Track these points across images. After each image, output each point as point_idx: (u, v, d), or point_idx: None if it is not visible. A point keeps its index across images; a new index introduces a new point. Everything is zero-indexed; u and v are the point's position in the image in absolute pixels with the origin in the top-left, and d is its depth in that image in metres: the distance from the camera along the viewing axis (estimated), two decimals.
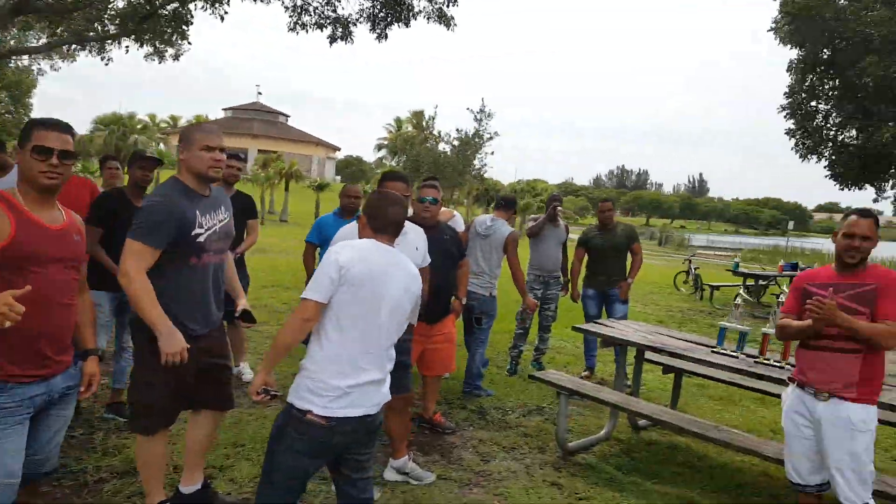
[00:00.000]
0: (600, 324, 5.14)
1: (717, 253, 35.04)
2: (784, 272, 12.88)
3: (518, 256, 5.65)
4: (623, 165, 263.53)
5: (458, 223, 5.23)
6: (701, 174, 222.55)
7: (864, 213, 2.96)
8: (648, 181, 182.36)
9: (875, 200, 17.13)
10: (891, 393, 3.49)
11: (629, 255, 6.46)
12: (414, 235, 3.62)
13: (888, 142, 12.48)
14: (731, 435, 3.66)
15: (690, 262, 15.23)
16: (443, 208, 4.89)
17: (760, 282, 12.69)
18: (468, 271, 4.97)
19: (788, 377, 3.20)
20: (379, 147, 41.62)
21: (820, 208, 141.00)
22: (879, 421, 3.84)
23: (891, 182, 15.27)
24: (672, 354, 4.29)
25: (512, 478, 3.98)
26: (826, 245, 49.03)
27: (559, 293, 6.52)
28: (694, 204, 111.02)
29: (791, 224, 58.58)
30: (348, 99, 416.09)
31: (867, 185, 14.73)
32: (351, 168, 71.54)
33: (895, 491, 3.02)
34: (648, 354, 4.92)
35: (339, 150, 68.62)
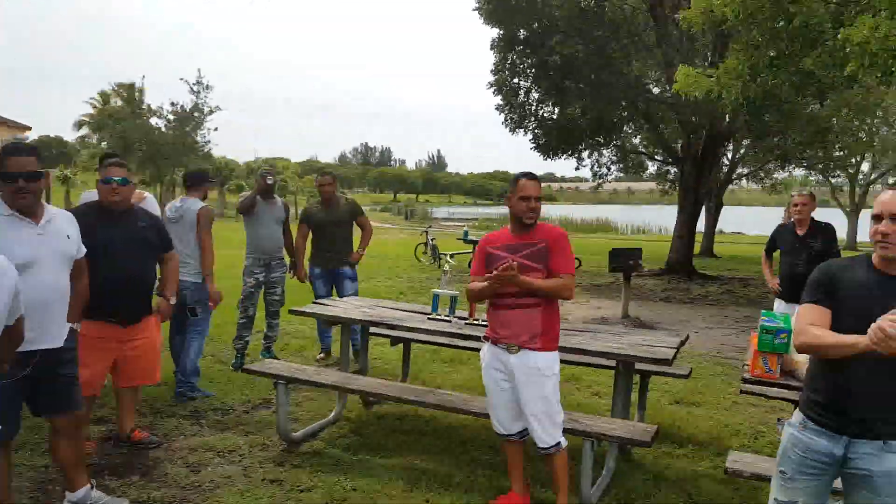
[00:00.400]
0: (320, 303, 4.92)
1: (456, 224, 37.68)
2: None
3: (211, 234, 5.12)
4: (367, 143, 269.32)
5: (151, 205, 4.55)
6: (439, 150, 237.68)
7: (531, 175, 3.16)
8: (392, 158, 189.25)
9: (577, 168, 19.72)
10: (578, 337, 3.86)
11: (358, 230, 6.34)
12: (62, 222, 2.99)
13: (578, 116, 14.24)
14: (443, 398, 3.73)
15: (427, 233, 15.95)
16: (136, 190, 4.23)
17: None
18: (177, 265, 4.32)
19: (483, 336, 3.31)
20: (79, 125, 35.73)
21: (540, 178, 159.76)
22: (570, 363, 4.26)
23: (587, 152, 17.63)
24: (391, 326, 4.24)
25: (226, 484, 3.60)
26: (550, 210, 56.23)
27: (284, 275, 6.16)
28: (435, 179, 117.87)
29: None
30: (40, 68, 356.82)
31: (566, 156, 16.76)
32: (52, 151, 60.96)
33: (582, 426, 3.29)
34: (374, 329, 4.83)
35: (29, 129, 58.01)
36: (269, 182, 5.83)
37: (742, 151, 19.19)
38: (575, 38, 12.56)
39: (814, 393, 2.25)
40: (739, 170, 21.05)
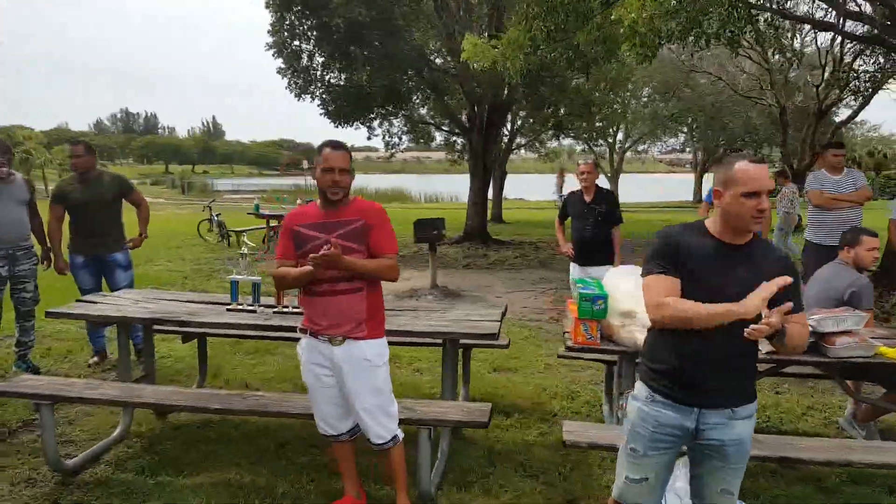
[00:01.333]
0: (87, 301, 4.05)
1: (243, 196, 35.42)
2: None
3: None
4: (127, 108, 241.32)
5: None
6: (214, 117, 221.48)
7: (336, 144, 2.79)
8: (159, 125, 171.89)
9: (368, 138, 19.42)
10: (401, 318, 3.61)
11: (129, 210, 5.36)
12: None
13: (366, 83, 13.88)
14: (255, 401, 3.24)
15: (211, 208, 14.59)
16: None
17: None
18: None
19: (300, 328, 2.90)
20: None
21: None
22: (393, 344, 3.98)
23: (377, 121, 17.37)
24: (181, 323, 3.59)
25: None
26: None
27: (35, 267, 5.04)
28: (212, 148, 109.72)
29: (306, 164, 63.42)
30: None
31: (358, 124, 16.35)
32: None
33: (417, 415, 3.05)
34: (155, 324, 4.10)
35: None
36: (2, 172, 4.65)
37: (519, 122, 20.46)
38: (357, 1, 12.09)
39: (658, 364, 2.21)
40: (518, 139, 22.49)
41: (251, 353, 5.62)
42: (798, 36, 15.70)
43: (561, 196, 32.84)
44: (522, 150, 25.70)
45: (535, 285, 9.23)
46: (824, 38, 14.68)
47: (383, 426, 2.82)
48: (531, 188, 41.30)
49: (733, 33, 5.67)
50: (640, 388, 2.28)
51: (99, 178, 5.16)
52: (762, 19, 7.90)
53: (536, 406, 4.35)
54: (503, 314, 3.79)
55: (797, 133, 16.92)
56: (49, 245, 5.17)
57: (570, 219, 5.55)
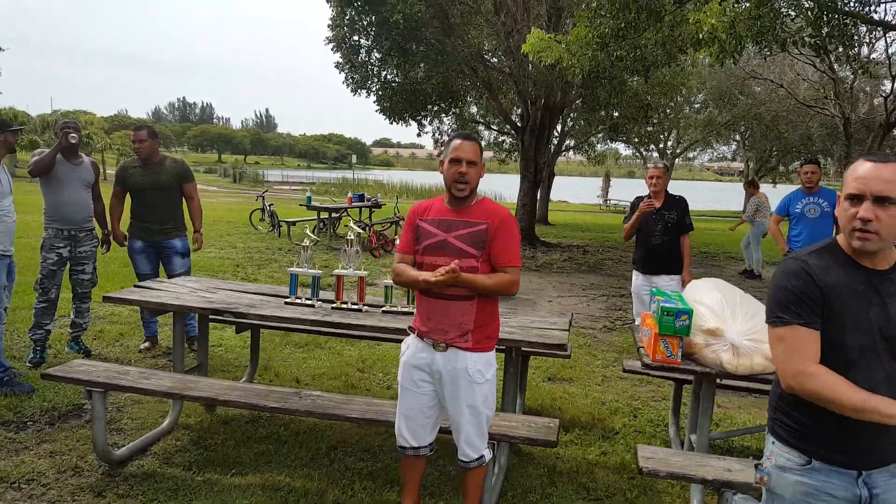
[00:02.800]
0: (145, 287, 4.01)
1: (292, 188, 35.91)
2: (354, 204, 13.46)
3: None
4: (185, 98, 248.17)
5: None
6: (267, 109, 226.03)
7: (466, 135, 2.57)
8: (215, 115, 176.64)
9: (418, 135, 19.40)
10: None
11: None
12: None
13: (422, 79, 13.79)
14: (314, 401, 3.11)
15: (264, 198, 14.73)
16: None
17: (333, 215, 12.98)
18: None
19: (409, 326, 2.73)
20: None
21: (376, 143, 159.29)
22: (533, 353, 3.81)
23: (428, 119, 17.29)
24: (240, 315, 3.51)
25: None
26: (386, 175, 55.74)
27: (95, 249, 5.07)
28: (264, 139, 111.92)
29: (355, 158, 64.18)
30: None
31: (409, 120, 16.30)
32: None
33: (517, 431, 2.86)
34: (213, 314, 4.03)
35: None
36: (73, 140, 4.68)
37: (570, 124, 20.08)
38: None
39: (808, 420, 1.73)
40: (567, 141, 22.08)
41: (301, 347, 5.54)
42: (867, 44, 14.91)
43: (607, 200, 32.28)
44: (571, 153, 25.26)
45: (586, 291, 8.96)
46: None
47: (472, 445, 2.62)
48: (574, 190, 40.70)
49: (822, 38, 5.31)
50: (785, 453, 1.77)
51: (161, 164, 5.14)
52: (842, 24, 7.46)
53: (597, 422, 4.12)
54: (570, 323, 3.60)
55: (857, 146, 16.11)
56: (109, 229, 5.19)
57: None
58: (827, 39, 5.44)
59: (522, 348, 3.31)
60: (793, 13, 5.25)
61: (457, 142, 2.54)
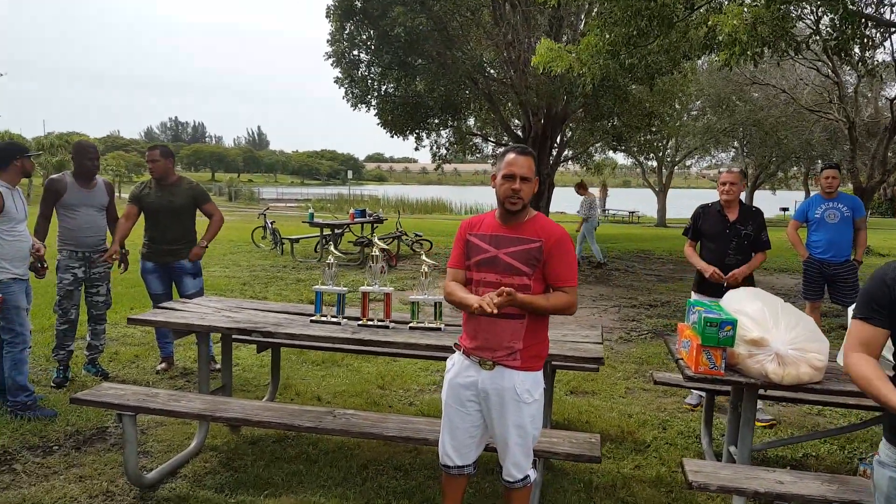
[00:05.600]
0: (167, 308, 3.95)
1: (288, 205, 35.87)
2: (356, 220, 13.42)
3: None
4: (177, 117, 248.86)
5: None
6: (259, 127, 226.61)
7: (522, 150, 2.49)
8: (207, 134, 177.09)
9: (416, 149, 19.37)
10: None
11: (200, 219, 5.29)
12: None
13: (423, 92, 13.82)
14: (347, 420, 3.05)
15: (265, 216, 14.67)
16: None
17: (336, 230, 12.93)
18: None
19: (455, 343, 2.67)
20: None
21: (369, 158, 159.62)
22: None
23: (426, 132, 17.28)
24: (267, 334, 3.45)
25: None
26: (381, 190, 55.81)
27: (109, 270, 5.03)
28: (257, 157, 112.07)
29: (350, 174, 64.30)
30: None
31: (411, 135, 16.29)
32: None
33: (559, 447, 2.81)
34: (238, 335, 3.98)
35: None
36: (93, 164, 4.69)
37: (570, 134, 20.12)
38: (418, 10, 12.03)
39: None
40: (566, 152, 22.12)
41: (318, 364, 5.48)
42: (876, 46, 15.01)
43: (605, 210, 32.30)
44: (570, 163, 25.29)
45: (596, 302, 8.92)
46: None
47: (518, 466, 2.54)
48: (572, 201, 40.67)
49: (843, 40, 5.31)
50: (887, 450, 1.89)
51: (176, 185, 5.09)
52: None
53: (626, 435, 4.07)
54: (602, 335, 3.55)
55: (859, 151, 16.16)
56: (125, 249, 5.14)
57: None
58: (848, 41, 5.43)
59: (557, 362, 3.26)
60: (811, 17, 5.25)
61: (511, 156, 2.47)
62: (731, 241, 4.24)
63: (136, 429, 3.22)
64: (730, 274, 4.19)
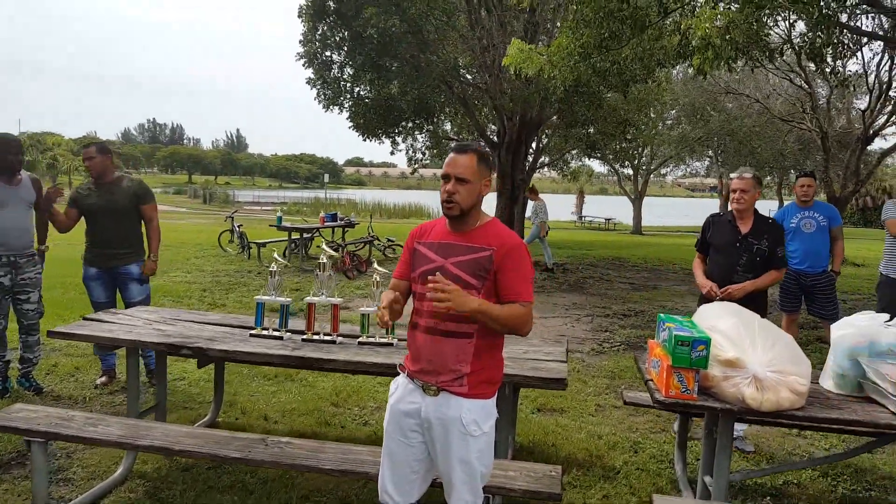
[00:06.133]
0: (94, 319, 3.59)
1: (263, 208, 35.33)
2: (326, 223, 13.05)
3: None
4: (154, 119, 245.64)
5: None
6: (238, 129, 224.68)
7: (460, 148, 2.21)
8: (185, 136, 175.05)
9: (392, 153, 19.09)
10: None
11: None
12: None
13: (397, 95, 13.52)
14: (281, 450, 2.72)
15: (233, 219, 14.23)
16: None
17: (305, 235, 12.56)
18: None
19: (399, 364, 2.35)
20: None
21: (349, 162, 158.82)
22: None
23: (402, 136, 16.99)
24: (199, 351, 3.11)
25: None
26: (359, 194, 55.33)
27: (40, 276, 4.64)
28: (235, 160, 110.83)
29: (327, 177, 63.72)
30: None
31: (383, 139, 15.99)
32: None
33: (516, 482, 2.51)
34: (167, 350, 3.63)
35: None
36: (16, 158, 4.29)
37: (546, 140, 19.97)
38: (392, 11, 11.76)
39: None
40: (542, 158, 21.96)
41: (270, 379, 5.13)
42: (847, 56, 15.11)
43: (581, 217, 32.23)
44: (546, 169, 25.16)
45: (569, 311, 8.67)
46: (871, 57, 14.07)
47: (462, 501, 2.21)
48: (548, 207, 40.54)
49: (817, 47, 5.15)
50: None
51: (116, 184, 4.74)
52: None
53: (595, 459, 3.79)
54: (567, 352, 3.28)
55: (832, 162, 16.24)
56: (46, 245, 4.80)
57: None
58: (822, 48, 5.29)
59: (516, 383, 2.97)
60: (785, 22, 5.09)
61: (449, 156, 2.20)
62: (741, 256, 3.79)
63: (46, 457, 2.86)
64: (724, 289, 3.76)
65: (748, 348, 2.62)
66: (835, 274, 5.81)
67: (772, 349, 2.64)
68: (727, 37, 4.88)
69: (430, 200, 45.45)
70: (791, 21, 5.78)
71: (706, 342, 2.57)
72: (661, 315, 2.94)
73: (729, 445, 2.79)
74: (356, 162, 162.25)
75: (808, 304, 5.86)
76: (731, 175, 3.95)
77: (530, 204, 13.29)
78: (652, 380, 2.84)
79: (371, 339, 3.32)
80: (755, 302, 3.64)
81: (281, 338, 3.34)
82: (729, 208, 3.96)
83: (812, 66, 15.65)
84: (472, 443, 2.16)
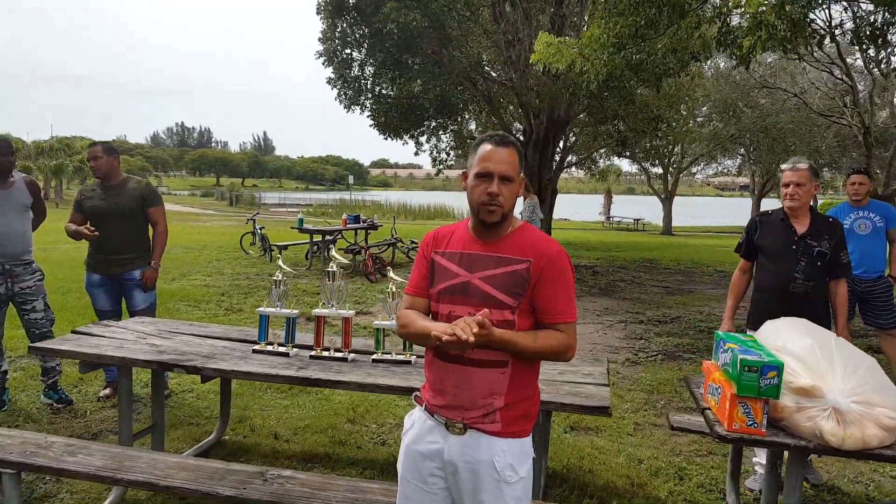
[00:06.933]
0: (83, 332, 3.31)
1: (289, 210, 35.40)
2: (348, 226, 12.79)
3: None
4: (183, 122, 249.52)
5: None
6: (265, 132, 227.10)
7: (501, 139, 1.77)
8: (213, 140, 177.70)
9: (416, 154, 18.79)
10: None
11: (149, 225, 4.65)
12: None
13: (419, 93, 13.21)
14: (282, 487, 2.37)
15: (255, 221, 14.05)
16: None
17: (327, 237, 12.30)
18: None
19: (415, 395, 1.95)
20: None
21: (374, 164, 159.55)
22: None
23: (425, 136, 16.67)
24: (193, 370, 2.80)
25: None
26: (384, 196, 55.24)
27: (42, 283, 4.39)
28: (262, 162, 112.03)
29: (352, 179, 63.97)
30: None
31: (406, 139, 15.66)
32: None
33: None
34: (159, 368, 3.33)
35: None
36: (7, 159, 4.03)
37: (573, 138, 19.48)
38: (412, 5, 11.43)
39: None
40: (570, 157, 21.46)
41: (283, 392, 4.83)
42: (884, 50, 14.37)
43: (609, 218, 31.57)
44: (573, 169, 24.64)
45: (601, 317, 8.24)
46: None
47: None
48: (575, 207, 40.01)
49: (876, 26, 4.68)
50: None
51: (122, 186, 4.48)
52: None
53: (637, 488, 3.39)
54: (608, 373, 2.89)
55: (864, 157, 15.48)
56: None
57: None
58: (884, 27, 4.80)
59: (552, 410, 2.59)
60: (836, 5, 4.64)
61: (486, 148, 1.76)
62: (798, 262, 3.26)
63: (19, 490, 2.56)
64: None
65: (826, 374, 2.21)
66: (892, 279, 5.31)
67: (854, 375, 2.22)
68: (781, 12, 4.41)
69: (455, 201, 45.17)
70: (846, 4, 5.33)
71: (778, 368, 2.17)
72: (720, 333, 2.54)
73: (799, 486, 2.38)
74: (382, 163, 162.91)
75: (862, 313, 5.36)
76: (783, 166, 3.37)
77: (520, 200, 13.01)
78: (710, 409, 2.44)
79: (387, 356, 2.98)
80: (815, 311, 3.12)
81: (287, 354, 3.01)
82: (780, 205, 3.43)
83: (854, 57, 14.94)
84: (506, 490, 1.77)
